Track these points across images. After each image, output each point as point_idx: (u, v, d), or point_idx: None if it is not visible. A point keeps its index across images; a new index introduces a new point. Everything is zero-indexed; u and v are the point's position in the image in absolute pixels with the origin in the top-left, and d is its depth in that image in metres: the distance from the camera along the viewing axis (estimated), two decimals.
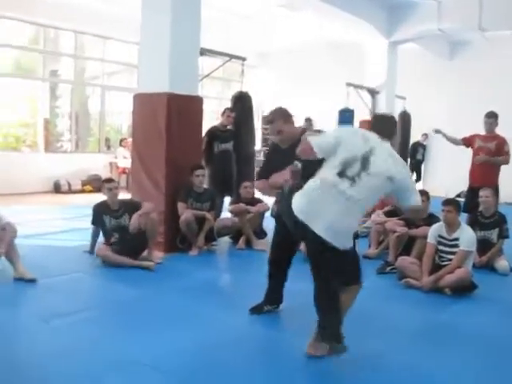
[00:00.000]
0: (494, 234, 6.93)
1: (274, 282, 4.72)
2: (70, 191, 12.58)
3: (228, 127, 8.10)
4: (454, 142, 8.37)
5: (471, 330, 4.70)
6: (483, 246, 6.78)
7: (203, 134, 7.72)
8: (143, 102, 7.17)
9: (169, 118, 6.88)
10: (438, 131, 8.78)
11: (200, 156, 7.56)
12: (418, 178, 15.50)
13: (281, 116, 4.36)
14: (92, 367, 3.64)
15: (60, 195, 12.32)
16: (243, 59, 8.79)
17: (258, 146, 17.86)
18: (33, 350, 3.97)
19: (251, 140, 8.63)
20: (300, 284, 4.48)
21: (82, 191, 12.26)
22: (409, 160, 14.70)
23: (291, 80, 16.10)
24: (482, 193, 6.96)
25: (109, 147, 14.39)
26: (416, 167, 15.35)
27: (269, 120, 4.42)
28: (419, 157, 15.27)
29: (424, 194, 6.79)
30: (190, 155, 7.09)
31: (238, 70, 9.01)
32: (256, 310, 4.73)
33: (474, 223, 6.91)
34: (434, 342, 4.38)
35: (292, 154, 3.86)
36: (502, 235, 6.91)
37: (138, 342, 4.10)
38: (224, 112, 8.09)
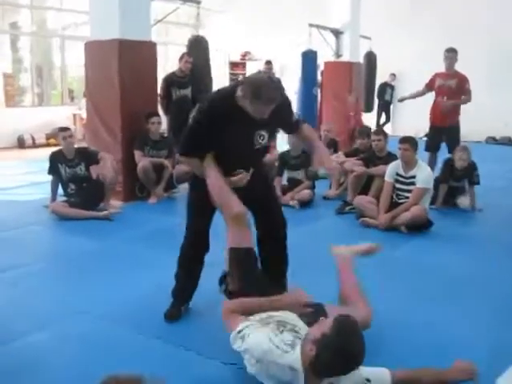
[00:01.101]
0: (465, 182, 6.86)
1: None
2: (35, 146, 12.37)
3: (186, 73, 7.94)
4: (421, 94, 8.28)
5: (422, 264, 4.77)
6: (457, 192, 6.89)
7: (159, 80, 7.58)
8: (94, 50, 6.99)
9: (121, 65, 6.73)
10: (402, 99, 9.02)
11: (155, 103, 7.45)
12: (387, 119, 15.48)
13: (280, 95, 3.23)
14: (36, 317, 3.64)
15: (24, 150, 12.12)
16: (198, 2, 8.57)
17: None
18: None
19: (209, 85, 8.49)
20: None
21: (47, 145, 12.02)
22: (376, 101, 14.65)
23: (253, 23, 15.82)
24: (459, 154, 6.66)
25: (72, 99, 14.12)
26: (384, 108, 15.32)
27: (272, 100, 3.12)
28: (387, 97, 15.19)
29: (381, 132, 6.81)
30: (144, 103, 6.97)
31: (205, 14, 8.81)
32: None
33: (448, 176, 6.85)
34: (386, 276, 4.44)
35: (251, 119, 3.17)
36: (473, 182, 6.79)
37: (88, 291, 4.08)
38: (182, 57, 7.91)
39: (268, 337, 2.55)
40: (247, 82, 3.15)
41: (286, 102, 3.41)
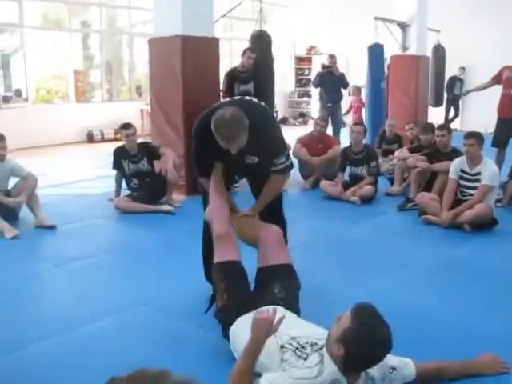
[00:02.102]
0: None
1: None
2: (103, 140, 12.70)
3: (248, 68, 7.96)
4: (487, 86, 8.08)
5: (484, 265, 4.62)
6: None
7: (222, 76, 7.64)
8: (158, 47, 7.12)
9: (183, 61, 6.82)
10: (466, 92, 9.01)
11: (218, 99, 7.48)
12: (456, 114, 15.09)
13: (242, 130, 3.15)
14: (97, 308, 3.74)
15: (93, 144, 12.45)
16: None
17: (292, 86, 17.67)
18: (42, 293, 4.10)
19: (271, 80, 8.49)
20: None
21: (115, 139, 12.32)
22: (445, 95, 14.31)
23: (318, 16, 15.72)
24: None
25: (140, 94, 14.41)
26: (453, 102, 14.92)
27: (228, 139, 3.12)
28: (457, 91, 14.78)
29: (445, 127, 6.65)
30: (207, 98, 6.99)
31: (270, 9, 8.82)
32: None
33: None
34: (447, 276, 4.34)
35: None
36: None
37: (149, 283, 4.18)
38: (244, 53, 7.94)
39: (301, 378, 2.36)
40: (214, 115, 3.16)
41: (275, 144, 3.44)
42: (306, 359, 2.45)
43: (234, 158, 3.32)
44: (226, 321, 2.96)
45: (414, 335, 3.25)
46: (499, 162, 7.34)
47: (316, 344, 2.52)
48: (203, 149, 3.45)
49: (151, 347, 3.17)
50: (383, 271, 4.43)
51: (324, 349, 2.45)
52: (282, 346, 2.55)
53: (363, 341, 2.27)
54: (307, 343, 2.53)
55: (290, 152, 3.85)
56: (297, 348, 2.52)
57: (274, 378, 2.41)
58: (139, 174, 6.41)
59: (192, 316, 3.56)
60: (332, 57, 10.12)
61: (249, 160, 3.42)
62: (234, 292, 3.00)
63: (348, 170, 7.13)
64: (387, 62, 12.14)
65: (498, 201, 6.14)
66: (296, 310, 3.05)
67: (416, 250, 4.99)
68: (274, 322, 2.45)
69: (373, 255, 4.86)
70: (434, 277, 4.36)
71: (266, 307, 2.57)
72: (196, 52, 6.90)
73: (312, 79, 12.01)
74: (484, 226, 5.53)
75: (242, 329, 2.78)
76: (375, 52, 11.00)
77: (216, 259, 3.19)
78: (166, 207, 6.28)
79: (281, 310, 2.86)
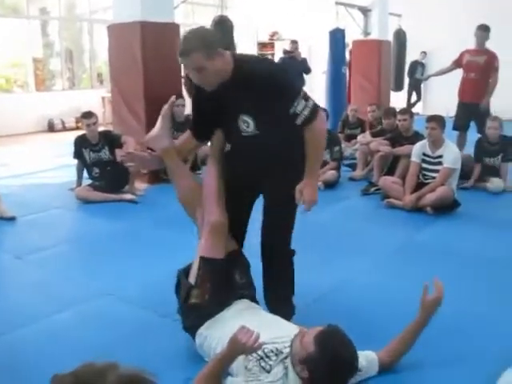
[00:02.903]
0: (499, 160, 6.68)
1: None
2: (64, 129, 12.51)
3: None
4: (448, 70, 8.16)
5: (446, 247, 4.67)
6: (490, 172, 6.68)
7: None
8: (117, 33, 7.01)
9: (143, 47, 6.73)
10: (427, 78, 9.05)
11: (180, 86, 7.43)
12: (418, 98, 15.24)
13: (200, 46, 2.59)
14: (60, 299, 3.68)
15: (54, 134, 12.25)
16: None
17: None
18: (4, 285, 4.03)
19: None
20: None
21: (77, 128, 12.14)
22: (407, 79, 14.41)
23: (280, 2, 15.66)
24: (490, 124, 6.60)
25: (101, 82, 14.21)
26: (415, 87, 15.06)
27: (181, 52, 2.61)
28: (418, 76, 14.91)
29: (407, 112, 6.70)
30: (168, 85, 6.93)
31: None
32: None
33: (480, 152, 6.74)
34: (409, 259, 4.38)
35: (228, 99, 2.75)
36: (507, 158, 6.66)
37: (112, 273, 4.12)
38: None
39: None
40: None
41: (273, 82, 2.65)
42: (269, 372, 2.42)
43: (227, 120, 2.85)
44: (195, 322, 2.82)
45: (380, 317, 3.29)
46: (460, 145, 7.43)
47: (281, 353, 2.49)
48: (195, 100, 2.98)
49: (116, 338, 3.12)
50: (347, 255, 4.45)
51: (289, 359, 2.43)
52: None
53: (327, 367, 2.27)
54: (272, 352, 2.49)
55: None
56: (261, 358, 2.47)
57: None
58: (100, 162, 6.32)
59: (157, 306, 3.53)
60: (294, 42, 10.11)
61: (244, 125, 2.77)
62: (216, 296, 2.80)
63: None
64: (349, 47, 12.18)
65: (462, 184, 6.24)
66: (254, 291, 3.02)
67: (379, 234, 5.02)
68: (252, 343, 2.29)
69: (337, 240, 4.88)
70: (397, 260, 4.40)
71: (247, 326, 2.39)
72: (156, 38, 6.80)
73: None
74: (446, 208, 5.59)
75: (211, 331, 2.72)
76: (336, 37, 11.00)
77: (206, 252, 2.86)
78: (128, 196, 6.21)
79: (247, 304, 2.88)
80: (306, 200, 2.82)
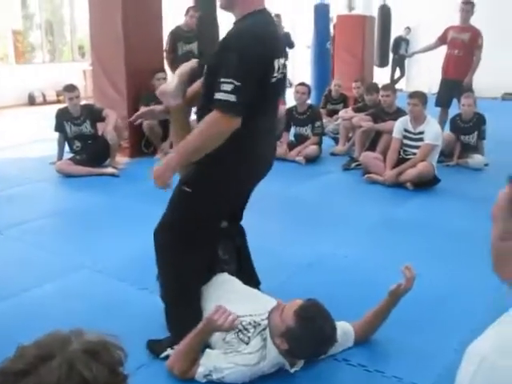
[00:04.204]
0: (474, 137, 6.75)
1: None
2: (45, 102, 12.35)
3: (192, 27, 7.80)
4: (432, 47, 8.14)
5: (424, 221, 4.72)
6: (467, 149, 6.73)
7: (165, 34, 7.48)
8: (98, 4, 6.90)
9: (124, 19, 6.63)
10: (411, 55, 9.14)
11: (162, 58, 7.36)
12: (402, 74, 15.23)
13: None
14: (39, 272, 3.68)
15: (35, 107, 12.11)
16: None
17: None
18: None
19: (216, 40, 8.35)
20: None
21: (58, 102, 12.00)
22: (391, 55, 14.37)
23: None
24: (464, 101, 6.71)
25: (83, 55, 14.03)
26: (399, 63, 15.03)
27: None
28: (402, 52, 14.89)
29: (389, 87, 6.70)
30: (150, 58, 6.88)
31: None
32: None
33: (455, 130, 6.80)
34: (389, 235, 4.42)
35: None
36: (481, 137, 6.74)
37: (91, 246, 4.13)
38: (188, 11, 7.78)
39: (243, 365, 2.41)
40: None
41: (225, 46, 2.44)
42: (248, 343, 2.47)
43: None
44: None
45: (358, 289, 3.33)
46: (442, 121, 7.44)
47: (259, 325, 2.53)
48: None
49: (93, 310, 3.13)
50: (327, 229, 4.48)
51: (267, 330, 2.47)
52: None
53: (308, 340, 2.32)
54: (250, 324, 2.53)
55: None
56: (239, 330, 2.51)
57: (214, 357, 2.45)
58: (82, 136, 6.27)
59: (136, 278, 3.54)
60: (277, 16, 10.01)
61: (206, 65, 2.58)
62: None
63: (293, 130, 7.12)
64: (333, 22, 12.11)
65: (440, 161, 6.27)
66: (236, 267, 3.04)
67: (360, 209, 5.05)
68: (228, 325, 2.32)
69: (318, 214, 4.91)
70: (376, 234, 4.44)
71: (226, 298, 2.51)
72: (138, 10, 6.71)
73: None
74: (426, 184, 5.64)
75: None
76: (321, 11, 10.93)
77: None
78: (109, 170, 6.18)
79: (225, 277, 2.93)
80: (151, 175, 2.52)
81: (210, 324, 2.36)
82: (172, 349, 2.59)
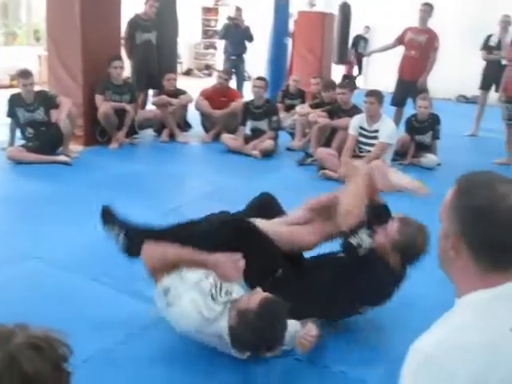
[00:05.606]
0: (428, 137, 6.87)
1: None
2: None
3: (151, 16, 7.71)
4: (390, 47, 8.23)
5: None
6: (420, 149, 6.84)
7: (123, 21, 7.37)
8: None
9: (83, 4, 6.49)
10: (369, 54, 9.45)
11: (119, 46, 7.26)
12: (360, 72, 15.39)
13: None
14: None
15: None
16: None
17: (198, 38, 17.36)
18: None
19: (175, 31, 8.30)
20: None
21: (10, 86, 11.72)
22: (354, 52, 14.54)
23: None
24: (420, 103, 6.80)
25: (38, 40, 13.72)
26: (357, 61, 15.19)
27: None
28: (361, 50, 15.05)
29: (346, 85, 6.76)
30: (107, 44, 6.79)
31: None
32: None
33: (410, 130, 6.90)
34: None
35: None
36: (435, 136, 6.87)
37: (41, 236, 4.06)
38: (147, 0, 7.68)
39: (196, 307, 2.48)
40: None
41: None
42: (213, 300, 2.53)
43: None
44: None
45: None
46: (397, 120, 7.56)
47: (230, 294, 2.59)
48: None
49: (40, 301, 3.08)
50: None
51: (231, 304, 2.53)
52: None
53: (252, 330, 2.34)
54: (226, 289, 2.60)
55: None
56: (216, 285, 2.59)
57: (185, 284, 2.54)
58: (34, 123, 6.13)
59: (87, 269, 3.50)
60: (238, 9, 10.01)
61: None
62: None
63: (249, 123, 7.12)
64: (294, 17, 12.13)
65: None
66: None
67: None
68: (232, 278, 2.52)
69: None
70: None
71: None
72: None
73: (218, 31, 11.87)
74: None
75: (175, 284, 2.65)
76: (280, 6, 10.93)
77: None
78: (62, 158, 6.07)
79: None
80: None
81: (218, 264, 2.47)
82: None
